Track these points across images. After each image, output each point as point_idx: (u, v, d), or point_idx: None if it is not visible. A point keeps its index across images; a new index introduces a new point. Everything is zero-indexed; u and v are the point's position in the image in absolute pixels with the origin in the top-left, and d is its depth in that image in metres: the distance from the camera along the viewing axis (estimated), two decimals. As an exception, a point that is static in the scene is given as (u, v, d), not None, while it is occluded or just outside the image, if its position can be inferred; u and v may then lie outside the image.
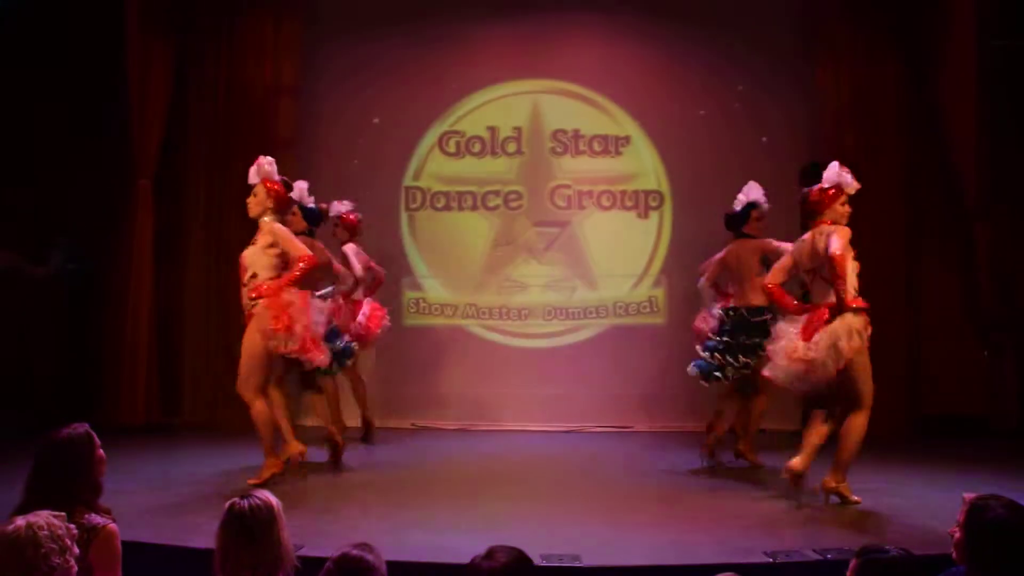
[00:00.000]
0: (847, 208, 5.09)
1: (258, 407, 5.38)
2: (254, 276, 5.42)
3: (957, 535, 2.70)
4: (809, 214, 5.18)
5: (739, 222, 6.27)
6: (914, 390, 7.60)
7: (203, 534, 3.79)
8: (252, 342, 5.35)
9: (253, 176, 5.58)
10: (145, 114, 7.72)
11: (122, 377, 7.63)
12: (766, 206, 6.28)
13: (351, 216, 7.15)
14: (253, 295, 5.35)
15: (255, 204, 5.54)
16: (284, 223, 5.66)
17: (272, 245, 5.44)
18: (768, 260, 6.05)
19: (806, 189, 5.24)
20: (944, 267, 7.80)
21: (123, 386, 7.62)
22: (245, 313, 5.47)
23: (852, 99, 7.86)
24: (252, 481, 5.17)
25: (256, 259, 5.44)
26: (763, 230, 6.25)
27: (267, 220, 5.51)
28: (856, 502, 4.98)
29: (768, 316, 5.90)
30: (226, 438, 6.95)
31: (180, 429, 7.66)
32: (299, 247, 5.46)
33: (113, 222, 7.83)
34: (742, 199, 6.29)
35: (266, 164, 5.58)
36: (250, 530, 2.63)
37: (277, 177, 5.61)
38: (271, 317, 5.28)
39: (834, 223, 5.04)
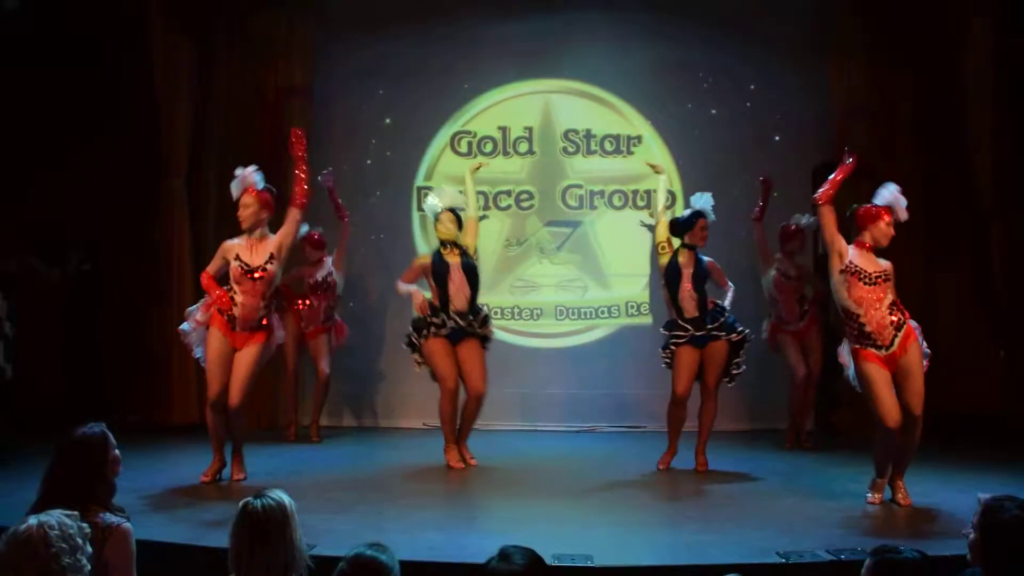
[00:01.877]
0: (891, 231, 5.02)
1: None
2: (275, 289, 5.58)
3: (972, 536, 2.69)
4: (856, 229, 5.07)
5: (684, 229, 6.21)
6: (930, 390, 7.53)
7: (218, 533, 3.80)
8: (262, 354, 5.57)
9: (236, 189, 5.59)
10: (174, 114, 7.75)
11: (172, 377, 7.68)
12: (712, 218, 6.26)
13: None
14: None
15: (249, 215, 5.54)
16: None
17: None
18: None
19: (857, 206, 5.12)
20: (959, 267, 7.75)
21: (174, 386, 7.67)
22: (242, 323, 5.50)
23: (865, 98, 7.81)
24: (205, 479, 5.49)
25: (278, 272, 5.54)
26: (705, 241, 6.22)
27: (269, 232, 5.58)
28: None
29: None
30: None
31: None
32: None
33: (133, 224, 7.84)
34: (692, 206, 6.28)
35: (250, 174, 5.59)
36: (263, 530, 2.64)
37: (262, 186, 5.59)
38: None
39: (875, 243, 5.00)
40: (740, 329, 6.12)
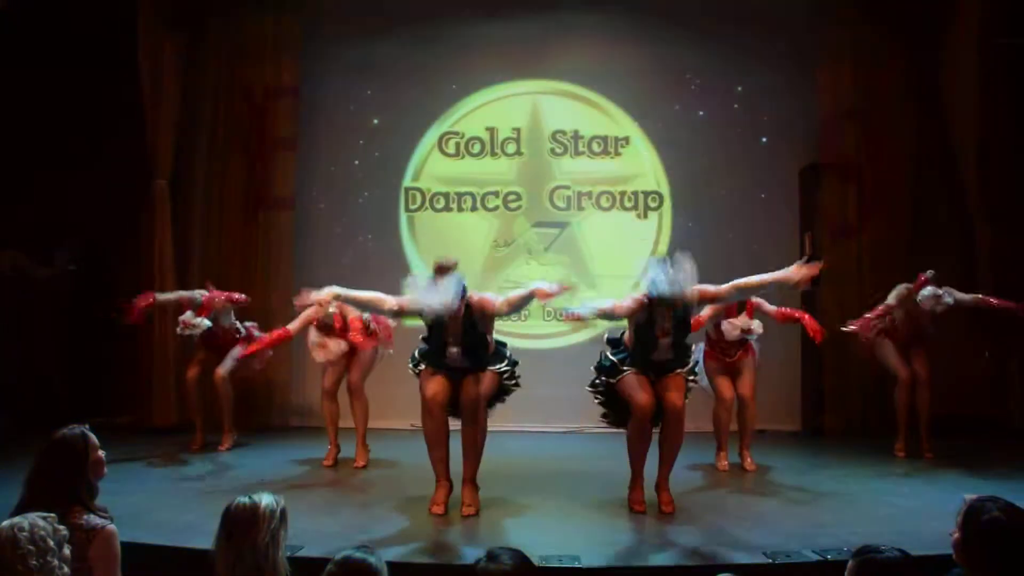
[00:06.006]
0: None
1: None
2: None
3: (956, 536, 2.70)
4: None
5: None
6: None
7: (206, 535, 3.78)
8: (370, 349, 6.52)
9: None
10: (159, 115, 7.71)
11: (153, 379, 7.65)
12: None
13: None
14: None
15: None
16: None
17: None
18: None
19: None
20: (948, 268, 7.75)
21: (155, 388, 7.64)
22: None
23: (853, 100, 7.83)
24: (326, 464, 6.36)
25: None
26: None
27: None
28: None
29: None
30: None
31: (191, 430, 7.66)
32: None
33: (125, 223, 7.80)
34: None
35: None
36: (228, 530, 2.62)
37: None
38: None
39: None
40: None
